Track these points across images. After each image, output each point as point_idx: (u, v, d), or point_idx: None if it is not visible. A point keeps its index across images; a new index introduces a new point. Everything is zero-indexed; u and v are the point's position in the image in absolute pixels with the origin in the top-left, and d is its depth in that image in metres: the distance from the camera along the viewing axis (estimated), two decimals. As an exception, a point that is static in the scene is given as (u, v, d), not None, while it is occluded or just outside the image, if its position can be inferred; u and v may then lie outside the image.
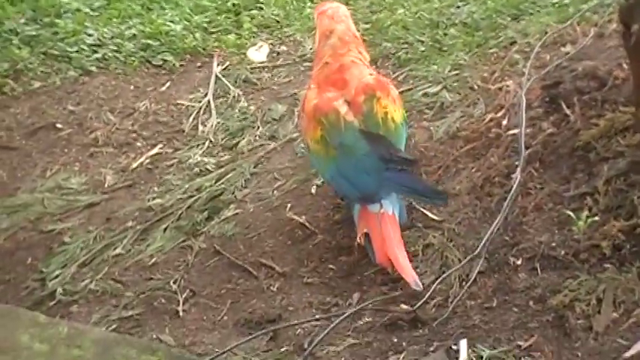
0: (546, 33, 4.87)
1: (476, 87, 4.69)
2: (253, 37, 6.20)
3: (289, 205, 4.39)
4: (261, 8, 6.57)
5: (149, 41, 6.04)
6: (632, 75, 2.93)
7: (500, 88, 4.52)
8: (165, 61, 5.91)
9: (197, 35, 6.11)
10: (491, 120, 4.30)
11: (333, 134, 3.94)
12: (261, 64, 5.79)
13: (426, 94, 4.75)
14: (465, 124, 4.41)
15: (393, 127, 4.00)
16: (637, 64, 2.83)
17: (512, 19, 5.33)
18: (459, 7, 5.77)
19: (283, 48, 6.00)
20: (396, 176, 3.84)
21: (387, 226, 3.76)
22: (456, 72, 4.88)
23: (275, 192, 4.53)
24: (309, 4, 6.50)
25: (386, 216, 3.78)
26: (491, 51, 5.01)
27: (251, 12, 6.55)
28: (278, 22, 6.39)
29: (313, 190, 4.40)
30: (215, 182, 4.72)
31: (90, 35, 6.22)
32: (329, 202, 4.31)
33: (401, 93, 4.64)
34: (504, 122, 4.24)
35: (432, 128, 4.51)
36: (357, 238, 3.84)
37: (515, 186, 3.82)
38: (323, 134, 3.96)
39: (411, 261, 3.69)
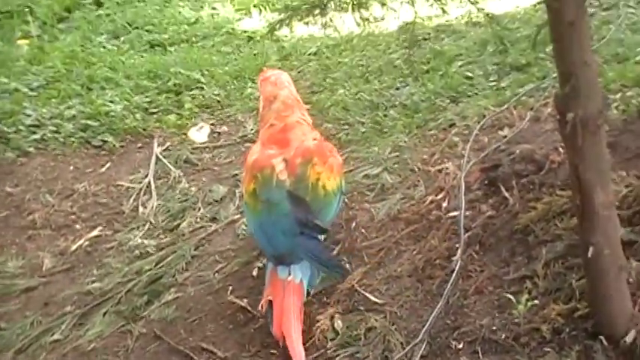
0: (484, 116, 4.95)
1: (416, 169, 4.75)
2: (194, 117, 6.25)
3: (231, 287, 4.38)
4: (202, 88, 6.61)
5: (89, 122, 6.08)
6: (568, 160, 3.02)
7: (439, 170, 4.59)
8: (105, 141, 5.95)
9: (137, 116, 6.17)
10: (431, 202, 4.35)
11: (263, 189, 4.09)
12: (202, 145, 5.85)
13: (366, 176, 4.80)
14: (406, 206, 4.46)
15: (322, 194, 4.13)
16: (572, 151, 2.92)
17: (451, 102, 5.46)
18: (398, 88, 5.89)
19: (224, 128, 6.05)
20: (305, 242, 3.97)
21: (290, 296, 3.88)
22: (396, 154, 4.94)
23: (216, 275, 4.51)
24: (249, 84, 6.52)
25: (292, 284, 3.91)
26: (430, 133, 5.10)
27: (192, 92, 6.63)
28: (219, 102, 6.47)
29: (254, 273, 4.38)
30: (155, 265, 4.69)
31: (28, 115, 6.28)
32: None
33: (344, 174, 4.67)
34: (444, 204, 4.29)
35: (373, 210, 4.54)
36: (260, 305, 3.98)
37: (456, 269, 3.86)
38: (255, 188, 4.11)
39: (303, 338, 3.79)
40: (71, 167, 5.71)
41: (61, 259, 4.95)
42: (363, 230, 4.42)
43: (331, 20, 3.13)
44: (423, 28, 6.91)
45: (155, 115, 6.32)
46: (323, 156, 4.26)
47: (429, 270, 3.99)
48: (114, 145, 5.89)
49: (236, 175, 5.33)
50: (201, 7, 9.00)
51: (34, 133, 6.10)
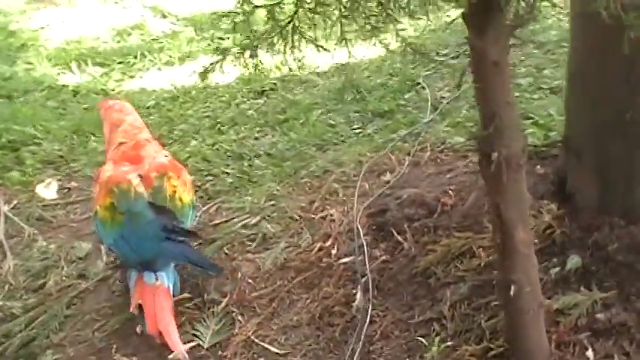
0: (360, 162, 4.98)
1: (296, 217, 4.77)
2: (38, 173, 6.04)
3: (115, 346, 4.26)
4: (40, 144, 6.47)
5: None
6: (489, 200, 3.10)
7: (323, 217, 4.60)
8: (-56, 201, 5.56)
9: (-22, 174, 5.81)
10: (320, 249, 4.38)
11: (122, 201, 4.26)
12: (53, 202, 5.66)
13: (245, 226, 4.79)
14: (293, 254, 4.46)
15: (180, 206, 4.38)
16: (494, 190, 3.00)
17: (318, 150, 5.50)
18: (257, 138, 5.89)
19: (74, 184, 5.93)
20: (174, 246, 4.21)
21: (161, 298, 4.10)
22: (272, 202, 4.95)
23: (96, 333, 4.38)
24: (92, 137, 6.41)
25: (161, 289, 4.13)
26: (303, 181, 5.13)
27: (30, 147, 6.42)
28: (62, 157, 6.35)
29: (138, 330, 4.26)
30: (25, 327, 4.51)
31: None
32: (153, 340, 4.18)
33: (216, 225, 4.92)
34: (334, 251, 4.32)
35: (257, 260, 4.52)
36: (131, 308, 4.17)
37: (359, 315, 3.91)
38: (112, 201, 4.28)
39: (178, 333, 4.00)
40: None
41: None
42: (250, 281, 4.40)
43: (261, 62, 3.05)
44: (266, 79, 6.94)
45: (-3, 173, 5.91)
46: (177, 171, 4.51)
47: (327, 317, 4.00)
48: (-45, 204, 5.49)
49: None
50: (14, 62, 8.68)
51: None
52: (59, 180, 5.99)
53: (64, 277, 4.88)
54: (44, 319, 4.54)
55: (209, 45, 9.04)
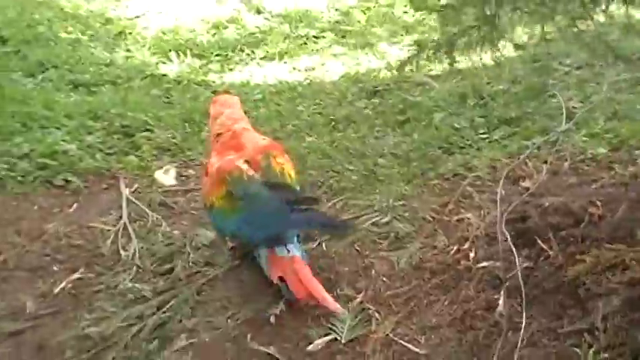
0: (494, 168, 4.96)
1: (429, 218, 4.75)
2: (155, 159, 6.05)
3: (249, 335, 4.27)
4: (152, 131, 6.48)
5: (46, 160, 5.83)
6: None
7: (459, 220, 4.57)
8: (67, 181, 5.71)
9: (97, 156, 5.95)
10: (457, 252, 4.35)
11: (237, 187, 4.37)
12: (173, 188, 5.68)
13: (375, 224, 4.79)
14: (428, 255, 4.49)
15: (290, 181, 4.50)
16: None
17: (444, 153, 5.47)
18: (377, 137, 5.85)
19: (190, 171, 5.98)
20: (301, 215, 4.31)
21: (300, 266, 4.21)
22: (402, 202, 4.94)
23: (229, 321, 4.40)
24: (205, 128, 6.38)
25: (296, 259, 4.24)
26: (433, 183, 5.13)
27: (143, 134, 6.42)
28: (176, 144, 6.34)
29: (272, 320, 4.29)
30: (157, 310, 4.53)
31: (-28, 153, 5.77)
32: (293, 331, 4.23)
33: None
34: (472, 255, 4.29)
35: (391, 259, 4.52)
36: (274, 280, 4.27)
37: (503, 321, 3.86)
38: (228, 189, 4.38)
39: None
40: (35, 207, 5.48)
41: (45, 302, 4.71)
42: (384, 279, 4.39)
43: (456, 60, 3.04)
44: (376, 79, 6.95)
45: (114, 156, 6.06)
46: (279, 149, 4.68)
47: (469, 321, 4.00)
48: (78, 186, 5.60)
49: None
50: (113, 49, 8.75)
51: (-15, 171, 5.62)
52: (176, 167, 5.89)
53: (191, 263, 4.91)
54: (175, 304, 4.57)
55: (305, 43, 8.97)
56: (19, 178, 5.76)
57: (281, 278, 4.22)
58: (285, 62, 8.58)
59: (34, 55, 8.48)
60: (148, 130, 6.62)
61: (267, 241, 4.32)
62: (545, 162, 4.96)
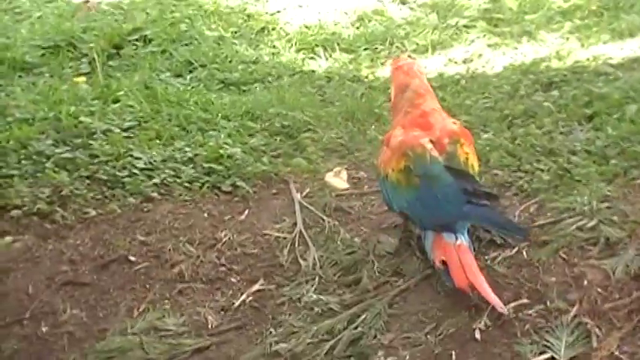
0: None
1: (643, 222, 4.29)
2: (323, 161, 5.79)
3: (453, 352, 4.06)
4: (316, 131, 6.23)
5: (212, 165, 5.70)
6: None
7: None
8: (236, 187, 5.50)
9: (264, 159, 5.76)
10: None
11: (418, 165, 4.39)
12: (346, 191, 5.41)
13: (579, 229, 4.47)
14: (649, 264, 4.00)
15: (472, 172, 4.44)
16: None
17: (646, 147, 5.01)
18: (562, 133, 5.51)
19: (362, 174, 5.75)
20: (477, 209, 4.28)
21: (465, 255, 4.21)
22: (606, 204, 4.62)
23: (429, 336, 4.18)
24: (372, 126, 6.16)
25: (462, 246, 4.23)
26: (638, 182, 4.77)
27: (306, 134, 6.21)
28: (343, 145, 6.12)
29: (478, 336, 4.00)
30: (348, 324, 4.35)
31: (137, 158, 5.91)
32: (502, 348, 4.02)
33: (543, 226, 4.76)
34: (697, 264, 3.86)
35: (604, 267, 4.20)
36: (436, 263, 4.32)
37: None
38: (407, 165, 4.42)
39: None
40: (205, 214, 5.34)
41: (227, 316, 4.60)
42: (599, 290, 4.06)
43: None
44: (549, 70, 6.59)
45: (280, 159, 5.87)
46: (467, 137, 4.63)
47: (702, 341, 3.54)
48: (247, 191, 5.39)
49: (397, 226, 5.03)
50: (257, 46, 8.52)
51: (151, 177, 5.73)
52: (346, 169, 5.66)
53: (377, 273, 4.71)
54: (367, 318, 4.38)
55: (456, 33, 8.61)
56: (185, 185, 5.67)
57: (443, 262, 4.23)
58: (438, 54, 8.19)
59: (180, 54, 8.40)
60: (310, 129, 6.44)
61: (435, 225, 4.35)
62: None
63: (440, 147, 4.45)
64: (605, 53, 7.04)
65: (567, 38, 7.91)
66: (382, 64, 8.16)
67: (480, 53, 8.04)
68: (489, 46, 8.21)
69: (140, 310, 4.66)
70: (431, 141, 4.48)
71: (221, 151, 5.85)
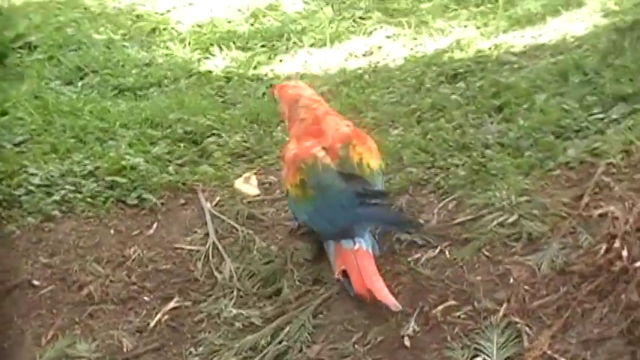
0: (627, 152, 4.59)
1: (563, 214, 4.41)
2: (231, 167, 5.67)
3: (383, 361, 3.79)
4: (220, 135, 6.07)
5: (115, 178, 5.50)
6: None
7: (601, 215, 4.18)
8: (142, 199, 5.33)
9: (170, 169, 5.60)
10: (607, 251, 3.93)
11: (311, 177, 4.46)
12: (258, 198, 5.28)
13: (501, 225, 4.43)
14: (573, 257, 4.15)
15: (368, 172, 4.54)
16: None
17: (557, 138, 5.12)
18: (472, 126, 5.50)
19: (272, 178, 5.62)
20: (369, 210, 4.38)
21: (363, 260, 4.26)
22: (526, 198, 4.62)
23: (356, 346, 4.12)
24: (277, 127, 6.09)
25: (360, 251, 4.28)
26: (555, 173, 4.77)
27: (210, 139, 6.10)
28: (249, 148, 6.03)
29: (407, 343, 3.99)
30: (271, 339, 4.26)
31: (33, 175, 5.68)
32: (433, 354, 3.97)
33: (463, 223, 4.70)
34: (624, 253, 3.89)
35: (529, 263, 4.21)
36: (336, 274, 4.33)
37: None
38: (302, 178, 4.50)
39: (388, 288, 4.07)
40: (111, 230, 5.17)
41: (142, 338, 4.46)
42: (526, 287, 4.02)
43: None
44: (452, 61, 6.59)
45: (186, 167, 5.72)
46: (361, 138, 4.69)
47: (638, 331, 3.63)
48: (154, 203, 5.24)
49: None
50: (150, 48, 8.36)
51: (50, 194, 5.49)
52: (256, 174, 5.54)
53: (297, 282, 4.62)
54: (291, 330, 4.28)
55: (353, 26, 8.56)
56: (88, 200, 5.45)
57: (344, 272, 4.28)
58: (337, 48, 8.12)
59: (69, 60, 8.21)
60: (214, 134, 6.29)
61: (335, 235, 4.41)
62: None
63: (332, 153, 4.55)
64: (507, 42, 7.06)
65: (465, 26, 7.88)
66: (280, 61, 7.97)
67: (380, 45, 7.98)
68: (388, 37, 8.17)
69: (48, 337, 4.47)
70: (324, 148, 4.57)
71: (123, 163, 5.64)
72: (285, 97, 4.94)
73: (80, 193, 5.48)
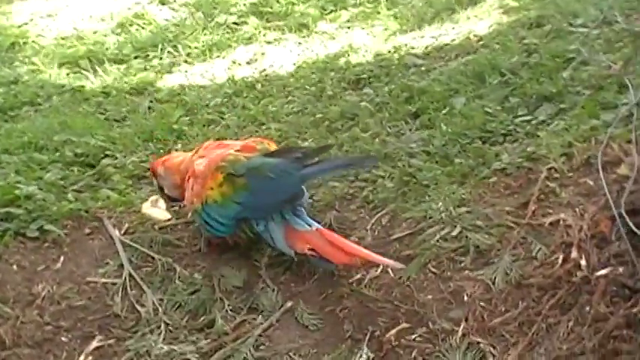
0: (566, 155, 4.51)
1: (509, 224, 4.28)
2: (133, 190, 5.39)
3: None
4: (115, 156, 6.00)
5: (9, 209, 5.10)
6: None
7: (552, 223, 4.09)
8: (43, 231, 4.97)
9: (69, 196, 5.23)
10: (564, 261, 3.84)
11: (237, 167, 4.44)
12: (169, 222, 5.00)
13: (444, 239, 4.27)
14: (529, 269, 4.03)
15: None
16: None
17: (485, 142, 5.01)
18: (389, 134, 5.42)
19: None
20: (315, 166, 4.48)
21: (331, 235, 4.33)
22: (465, 209, 4.49)
23: (310, 378, 3.74)
24: (179, 145, 5.96)
25: (322, 229, 4.35)
26: (490, 181, 4.69)
27: (105, 161, 5.82)
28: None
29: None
30: (216, 377, 3.83)
31: None
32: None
33: (401, 239, 4.62)
34: (583, 262, 3.81)
35: (481, 278, 4.05)
36: (306, 252, 4.33)
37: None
38: (225, 175, 4.46)
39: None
40: (14, 267, 4.81)
41: (68, 385, 3.95)
42: (482, 304, 3.88)
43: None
44: (350, 66, 6.47)
45: (86, 193, 5.40)
46: (272, 142, 4.91)
47: (610, 344, 3.58)
48: (58, 235, 4.93)
49: (243, 253, 4.75)
50: (12, 64, 8.01)
51: None
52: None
53: (230, 312, 4.42)
54: (236, 366, 3.86)
55: (228, 32, 8.37)
56: (-19, 235, 4.86)
57: (312, 250, 4.24)
58: (217, 56, 7.86)
59: None
60: (107, 155, 5.96)
61: (285, 203, 4.40)
62: (629, 142, 4.42)
63: (249, 149, 4.62)
64: (406, 43, 6.92)
65: (349, 27, 7.74)
66: (158, 72, 7.68)
67: (263, 52, 7.73)
68: (269, 43, 7.97)
69: (-39, 390, 3.97)
70: (237, 151, 4.58)
71: (16, 192, 5.19)
72: (168, 172, 4.99)
73: (-29, 228, 4.92)
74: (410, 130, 5.41)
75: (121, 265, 4.83)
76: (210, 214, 4.55)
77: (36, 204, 5.22)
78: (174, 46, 8.34)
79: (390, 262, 4.19)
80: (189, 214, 4.84)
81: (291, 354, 4.06)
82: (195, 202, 4.61)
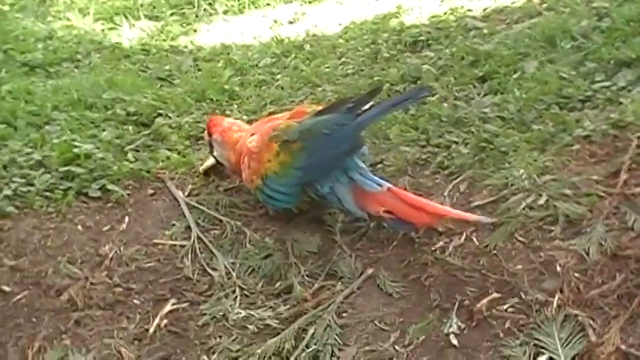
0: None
1: (600, 193, 4.20)
2: (192, 151, 5.30)
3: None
4: (168, 116, 5.82)
5: (70, 168, 5.03)
6: None
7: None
8: (106, 191, 4.96)
9: (128, 156, 5.23)
10: None
11: (290, 132, 4.37)
12: (235, 185, 4.94)
13: (530, 207, 4.15)
14: (624, 240, 3.95)
15: None
16: None
17: (562, 108, 4.93)
18: (459, 99, 5.23)
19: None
20: (369, 112, 4.42)
21: (405, 194, 4.28)
22: (550, 176, 4.39)
23: (396, 347, 3.86)
24: (235, 106, 6.03)
25: (394, 189, 4.27)
26: (574, 148, 4.57)
27: (160, 120, 5.68)
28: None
29: (454, 341, 3.83)
30: (296, 342, 3.96)
31: (-29, 167, 4.93)
32: (487, 352, 3.76)
33: (482, 206, 4.48)
34: (680, 234, 3.67)
35: (574, 248, 3.93)
36: (384, 216, 4.26)
37: None
38: (280, 142, 4.39)
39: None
40: (79, 227, 4.75)
41: (143, 346, 4.11)
42: (577, 275, 3.77)
43: None
44: (403, 27, 6.36)
45: (144, 153, 5.38)
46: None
47: None
48: (121, 195, 4.93)
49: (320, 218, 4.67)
50: (46, 19, 7.85)
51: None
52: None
53: (307, 278, 4.36)
54: (317, 332, 4.01)
55: (267, -11, 8.20)
56: (44, 194, 4.93)
57: (389, 212, 4.16)
58: (255, 15, 7.72)
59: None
60: (160, 115, 5.88)
61: (348, 153, 4.34)
62: None
63: (299, 115, 4.56)
64: (462, 5, 6.75)
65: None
66: (195, 31, 7.58)
67: (303, 12, 7.57)
68: (309, 2, 7.75)
69: (34, 349, 4.05)
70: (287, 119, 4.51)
71: (75, 150, 5.10)
72: (225, 137, 4.95)
73: (32, 185, 4.97)
74: (479, 94, 5.21)
75: (188, 227, 4.76)
76: (272, 187, 4.47)
77: (96, 163, 5.16)
78: (210, 4, 8.13)
79: (480, 217, 4.14)
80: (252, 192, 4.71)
81: (376, 322, 3.99)
82: (254, 180, 4.55)
